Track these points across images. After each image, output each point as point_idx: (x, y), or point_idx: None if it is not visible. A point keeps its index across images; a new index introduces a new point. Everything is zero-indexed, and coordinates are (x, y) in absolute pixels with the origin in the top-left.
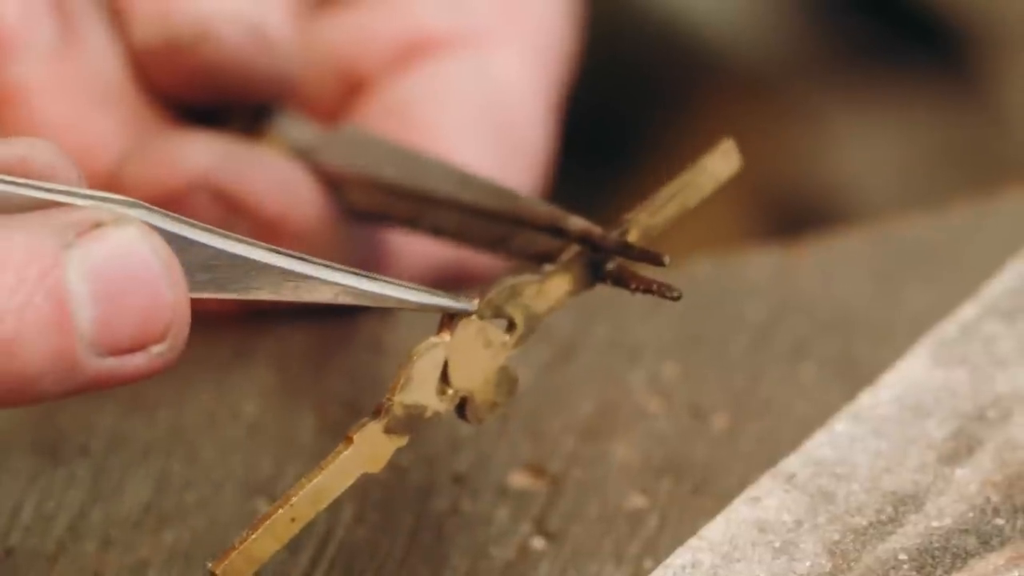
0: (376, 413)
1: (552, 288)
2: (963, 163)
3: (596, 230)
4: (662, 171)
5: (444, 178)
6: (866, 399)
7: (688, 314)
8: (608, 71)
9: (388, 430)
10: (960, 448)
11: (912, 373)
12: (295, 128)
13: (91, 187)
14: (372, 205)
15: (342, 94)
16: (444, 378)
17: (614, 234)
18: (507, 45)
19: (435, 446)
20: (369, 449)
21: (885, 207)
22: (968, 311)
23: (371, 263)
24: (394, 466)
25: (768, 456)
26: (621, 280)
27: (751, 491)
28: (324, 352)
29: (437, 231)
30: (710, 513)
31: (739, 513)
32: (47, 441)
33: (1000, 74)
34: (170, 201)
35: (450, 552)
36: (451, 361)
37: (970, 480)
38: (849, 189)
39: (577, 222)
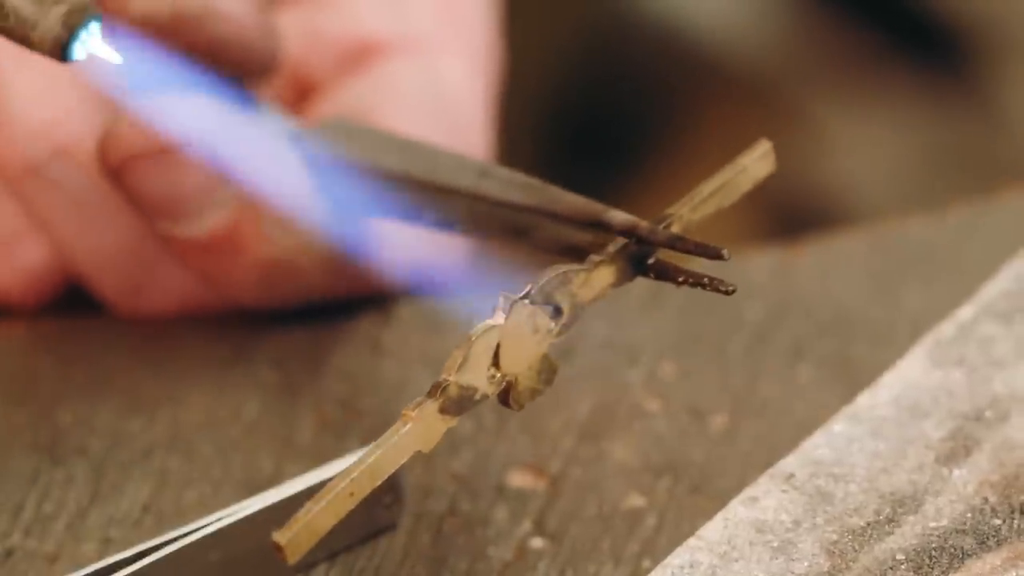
0: (432, 392)
1: (598, 279)
2: (961, 165)
3: (642, 224)
4: (662, 174)
5: (459, 169)
6: (864, 400)
7: (686, 314)
8: (609, 75)
9: (442, 410)
10: (958, 449)
11: (910, 374)
12: (270, 119)
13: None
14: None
15: (291, 98)
16: (494, 362)
17: (660, 228)
18: (448, 49)
19: None
20: (424, 428)
21: (883, 209)
22: (966, 312)
23: (358, 251)
24: None
25: (766, 456)
26: (664, 274)
27: (749, 491)
28: (323, 352)
29: (442, 223)
30: (708, 513)
31: (737, 513)
32: (46, 441)
33: (998, 77)
34: (162, 153)
35: (448, 552)
36: (502, 345)
37: (967, 480)
38: (848, 191)
39: (620, 215)
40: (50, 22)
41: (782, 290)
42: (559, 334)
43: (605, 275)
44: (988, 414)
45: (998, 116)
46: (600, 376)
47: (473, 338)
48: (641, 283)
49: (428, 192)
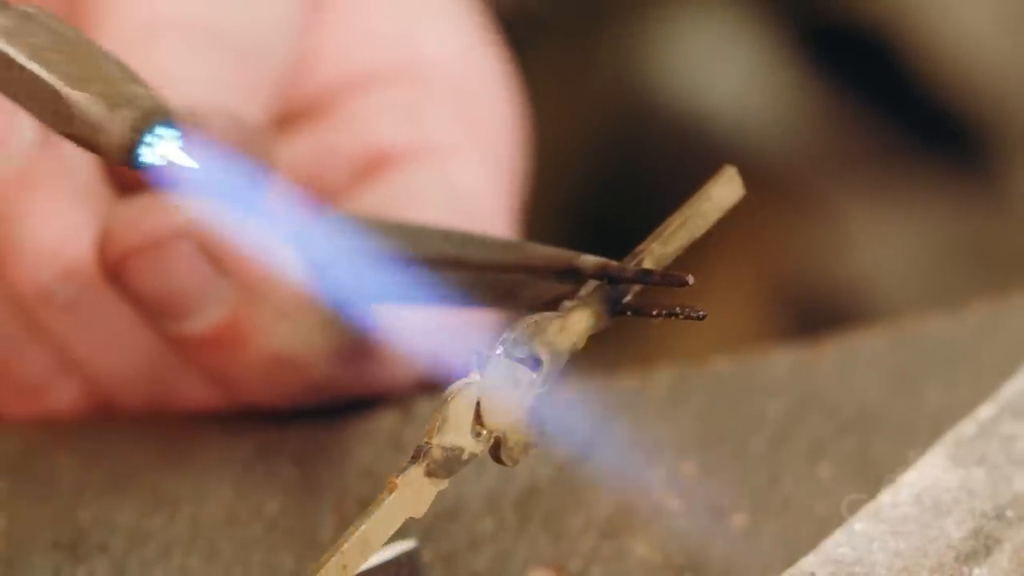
0: (416, 457)
1: (574, 323)
2: (982, 259)
3: (612, 263)
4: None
5: (442, 241)
6: (885, 498)
7: (707, 412)
8: (629, 166)
9: (429, 473)
10: (978, 548)
11: (931, 472)
12: (273, 212)
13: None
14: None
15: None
16: (478, 419)
17: (631, 265)
18: (465, 154)
19: (454, 543)
20: (412, 493)
21: (904, 304)
22: (986, 411)
23: (366, 341)
24: (412, 564)
25: (787, 555)
26: (641, 310)
27: None
28: (344, 450)
29: (439, 298)
30: None
31: None
32: (67, 539)
33: (1018, 171)
34: (152, 247)
35: None
36: (483, 401)
37: None
38: (868, 286)
39: (591, 259)
40: (118, 126)
41: (803, 388)
42: (543, 384)
43: (581, 319)
44: (1009, 513)
45: (1019, 210)
46: (620, 474)
47: (448, 398)
48: (662, 382)
49: (418, 266)
